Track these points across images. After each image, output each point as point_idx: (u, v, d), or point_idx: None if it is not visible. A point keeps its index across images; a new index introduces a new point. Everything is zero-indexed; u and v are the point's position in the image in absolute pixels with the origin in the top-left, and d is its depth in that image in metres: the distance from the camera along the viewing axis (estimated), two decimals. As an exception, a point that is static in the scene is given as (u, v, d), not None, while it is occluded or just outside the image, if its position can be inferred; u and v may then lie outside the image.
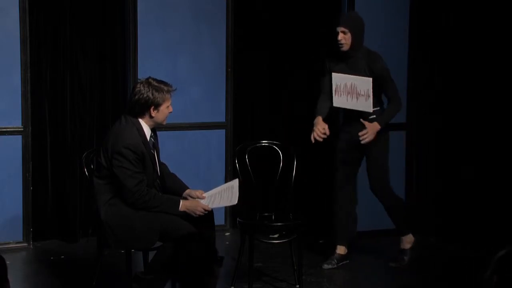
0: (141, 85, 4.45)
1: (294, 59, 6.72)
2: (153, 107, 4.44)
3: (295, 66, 6.73)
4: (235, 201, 4.62)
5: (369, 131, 5.27)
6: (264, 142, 5.39)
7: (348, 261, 5.66)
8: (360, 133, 5.26)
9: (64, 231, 6.23)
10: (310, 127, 6.69)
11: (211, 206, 4.54)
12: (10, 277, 3.11)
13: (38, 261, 5.76)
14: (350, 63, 5.38)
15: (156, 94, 4.42)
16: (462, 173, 6.27)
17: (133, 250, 4.60)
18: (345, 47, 5.32)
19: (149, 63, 6.21)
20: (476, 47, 6.14)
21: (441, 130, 6.40)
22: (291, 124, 6.77)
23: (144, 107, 4.44)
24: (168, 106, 4.49)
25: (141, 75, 6.09)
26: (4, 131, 5.94)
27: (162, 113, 4.47)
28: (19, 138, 5.98)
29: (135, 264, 4.99)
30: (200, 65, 6.46)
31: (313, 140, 5.35)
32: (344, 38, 5.30)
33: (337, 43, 5.34)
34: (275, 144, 5.35)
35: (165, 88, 4.47)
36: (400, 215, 5.66)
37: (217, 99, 6.55)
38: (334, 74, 5.42)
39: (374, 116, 5.40)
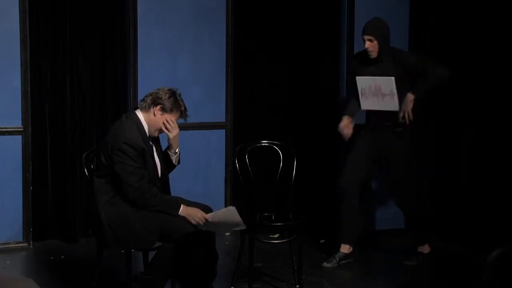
0: (168, 88, 4.53)
1: (294, 59, 6.72)
2: (160, 107, 4.45)
3: (295, 66, 6.74)
4: (242, 226, 4.59)
5: (405, 108, 5.39)
6: (264, 142, 5.39)
7: (352, 259, 5.68)
8: (399, 116, 5.40)
9: (64, 231, 6.23)
10: (311, 127, 6.73)
11: (211, 219, 4.48)
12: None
13: (38, 261, 5.76)
14: (382, 66, 5.49)
15: (172, 100, 4.47)
16: (462, 173, 6.27)
17: (133, 250, 4.60)
18: (374, 54, 5.47)
19: (149, 63, 6.21)
20: (476, 47, 6.14)
21: (441, 130, 6.40)
22: (291, 124, 6.77)
23: (154, 102, 4.47)
24: (171, 122, 4.48)
25: (141, 75, 6.13)
26: (4, 131, 5.94)
27: (161, 121, 4.47)
28: (19, 138, 5.98)
29: (135, 264, 4.99)
30: (200, 65, 6.45)
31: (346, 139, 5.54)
32: (371, 46, 5.44)
33: (366, 51, 5.47)
34: (275, 144, 5.35)
35: (182, 107, 4.52)
36: (421, 226, 5.78)
37: (217, 99, 6.55)
38: (357, 78, 5.54)
39: (401, 128, 5.49)
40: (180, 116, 4.55)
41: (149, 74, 6.15)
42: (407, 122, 5.45)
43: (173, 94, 4.50)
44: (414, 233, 5.83)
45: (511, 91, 5.94)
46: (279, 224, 5.09)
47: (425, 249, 5.79)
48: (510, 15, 5.89)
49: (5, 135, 5.95)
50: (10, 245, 5.93)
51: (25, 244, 6.05)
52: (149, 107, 4.48)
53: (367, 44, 5.44)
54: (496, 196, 5.96)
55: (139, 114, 4.50)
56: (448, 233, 6.30)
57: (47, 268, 5.54)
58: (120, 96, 6.34)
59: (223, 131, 6.59)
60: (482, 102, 6.09)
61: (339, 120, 6.23)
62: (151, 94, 4.52)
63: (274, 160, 5.32)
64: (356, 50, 6.40)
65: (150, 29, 6.25)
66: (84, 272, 5.23)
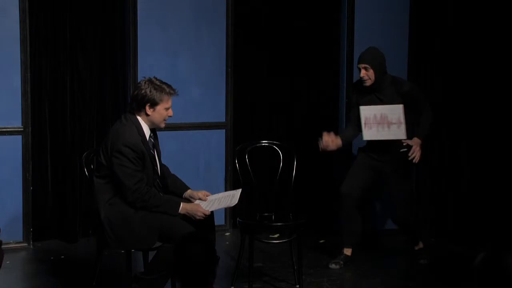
0: (143, 81, 4.49)
1: (294, 59, 6.72)
2: (149, 104, 4.43)
3: (295, 66, 6.74)
4: (234, 203, 4.61)
5: (415, 149, 5.38)
6: (264, 142, 5.39)
7: (350, 260, 5.68)
8: (410, 154, 5.37)
9: (64, 231, 6.23)
10: (310, 126, 6.72)
11: (210, 209, 4.54)
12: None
13: (38, 261, 5.76)
14: (379, 94, 5.45)
15: (154, 91, 4.43)
16: (462, 173, 6.27)
17: (133, 250, 4.60)
18: (369, 83, 5.42)
19: (149, 63, 6.21)
20: (476, 46, 6.14)
21: (441, 130, 6.40)
22: (291, 124, 6.77)
23: (141, 103, 4.45)
24: (167, 109, 4.47)
25: (141, 75, 6.10)
26: (4, 131, 5.94)
27: (159, 113, 4.46)
28: (19, 138, 5.98)
29: (135, 264, 4.99)
30: (200, 65, 6.45)
31: (321, 147, 5.45)
32: (367, 75, 5.39)
33: (361, 79, 5.42)
34: (275, 144, 5.35)
35: (166, 89, 4.46)
36: (419, 231, 5.81)
37: (217, 99, 6.55)
38: (362, 108, 5.45)
39: (406, 149, 5.45)
40: (172, 96, 4.48)
41: (149, 74, 6.10)
42: (415, 161, 5.45)
43: (150, 84, 4.45)
44: (408, 237, 5.87)
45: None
46: (279, 224, 5.09)
47: (419, 245, 5.81)
48: (511, 14, 5.89)
49: (5, 135, 5.95)
50: (10, 245, 5.92)
51: (25, 244, 6.05)
52: (140, 110, 4.47)
53: (363, 72, 5.37)
54: (497, 195, 5.96)
55: (138, 115, 4.50)
56: (448, 233, 6.30)
57: (47, 268, 5.54)
58: (120, 96, 6.34)
59: (223, 131, 6.59)
60: (483, 101, 6.08)
61: (338, 119, 6.25)
62: (133, 98, 4.50)
63: (274, 160, 5.32)
64: (356, 50, 6.41)
65: (150, 29, 6.25)
66: (84, 272, 5.23)
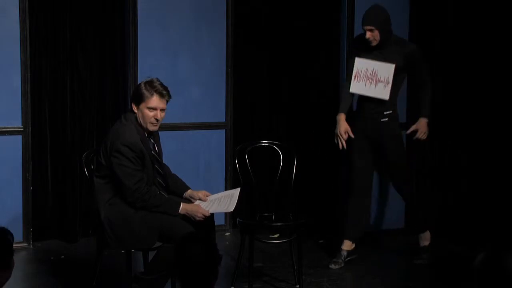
0: (145, 80, 4.48)
1: (294, 59, 6.72)
2: (135, 101, 4.43)
3: (295, 66, 6.73)
4: (231, 208, 4.58)
5: (421, 131, 5.44)
6: (264, 142, 5.39)
7: (355, 256, 5.66)
8: (416, 137, 5.47)
9: (64, 231, 6.23)
10: (310, 126, 6.71)
11: (210, 209, 4.53)
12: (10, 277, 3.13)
13: (38, 261, 5.76)
14: (383, 52, 5.42)
15: (143, 88, 4.40)
16: (462, 173, 6.27)
17: (133, 250, 4.60)
18: (374, 43, 5.40)
19: (149, 63, 6.21)
20: (476, 47, 6.14)
21: (441, 130, 6.40)
22: (291, 124, 6.77)
23: (131, 99, 4.49)
24: (151, 109, 4.38)
25: (141, 75, 6.13)
26: (4, 131, 5.94)
27: (142, 112, 4.39)
28: (19, 138, 5.98)
29: (135, 264, 4.99)
30: (200, 65, 6.45)
31: (341, 147, 5.47)
32: (372, 36, 5.37)
33: (367, 40, 5.39)
34: (275, 144, 5.35)
35: (159, 89, 4.39)
36: (420, 213, 5.75)
37: (217, 99, 6.55)
38: (357, 59, 5.45)
39: (387, 119, 5.44)
40: (161, 97, 4.40)
41: (149, 74, 6.11)
42: (422, 139, 5.52)
43: (147, 83, 4.42)
44: (414, 220, 5.80)
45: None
46: (279, 224, 5.09)
47: (426, 238, 5.72)
48: (511, 14, 5.89)
49: (5, 135, 5.95)
50: (10, 245, 5.92)
51: (25, 244, 6.04)
52: (131, 107, 4.47)
53: (368, 34, 5.34)
54: (497, 195, 5.96)
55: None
56: (448, 233, 6.30)
57: (47, 268, 5.54)
58: (120, 96, 6.33)
59: (223, 131, 6.59)
60: (483, 101, 6.08)
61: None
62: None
63: (274, 160, 5.31)
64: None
65: (150, 29, 6.25)
66: (84, 272, 5.23)
